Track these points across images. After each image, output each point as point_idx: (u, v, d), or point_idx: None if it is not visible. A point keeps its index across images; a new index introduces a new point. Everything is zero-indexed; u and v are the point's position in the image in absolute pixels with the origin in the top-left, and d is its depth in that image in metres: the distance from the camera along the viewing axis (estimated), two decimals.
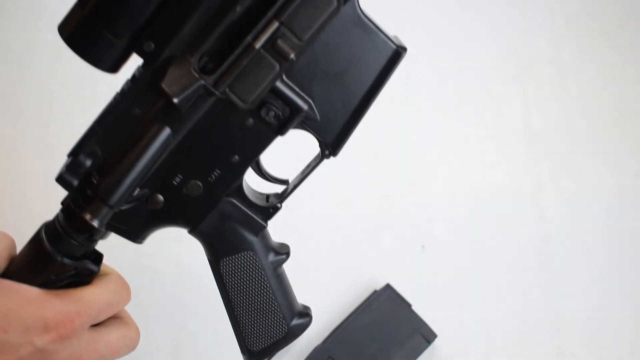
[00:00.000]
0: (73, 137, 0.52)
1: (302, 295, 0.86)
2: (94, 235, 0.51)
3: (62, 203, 0.52)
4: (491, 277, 0.86)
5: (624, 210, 0.89)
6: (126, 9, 0.46)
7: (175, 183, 0.54)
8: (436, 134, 0.93)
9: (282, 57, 0.48)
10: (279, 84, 0.50)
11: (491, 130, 0.93)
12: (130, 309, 0.84)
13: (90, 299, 0.51)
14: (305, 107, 0.52)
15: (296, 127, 0.53)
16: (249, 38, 0.47)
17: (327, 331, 0.82)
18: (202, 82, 0.48)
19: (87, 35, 0.47)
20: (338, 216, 0.89)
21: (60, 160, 0.52)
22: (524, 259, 0.87)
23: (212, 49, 0.48)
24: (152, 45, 0.48)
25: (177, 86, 0.47)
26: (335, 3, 0.47)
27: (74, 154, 0.51)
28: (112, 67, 0.48)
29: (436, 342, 0.81)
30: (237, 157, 0.54)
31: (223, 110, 0.51)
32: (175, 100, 0.47)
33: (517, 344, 0.83)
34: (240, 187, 0.56)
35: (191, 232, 0.58)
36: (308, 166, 0.58)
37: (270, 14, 0.47)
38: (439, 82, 0.96)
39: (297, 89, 0.51)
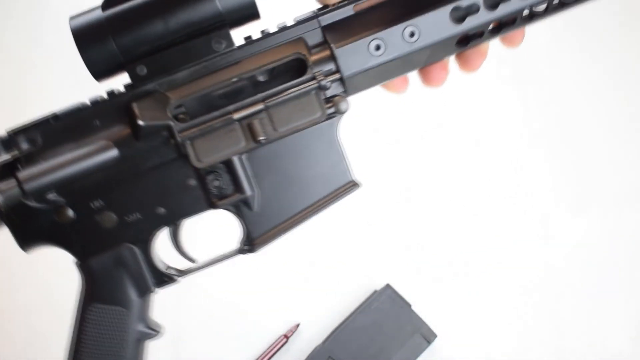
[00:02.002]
0: None
1: (302, 295, 0.86)
2: None
3: None
4: (491, 277, 0.86)
5: (623, 210, 0.89)
6: (141, 31, 0.48)
7: (92, 206, 0.51)
8: (436, 134, 0.93)
9: (252, 136, 0.50)
10: (236, 160, 0.51)
11: (490, 130, 0.93)
12: None
13: None
14: (249, 192, 0.52)
15: (230, 209, 0.53)
16: (230, 107, 0.49)
17: (327, 331, 0.82)
18: (171, 123, 0.49)
19: (95, 37, 0.48)
20: (338, 217, 0.89)
21: None
22: (524, 258, 0.87)
23: (193, 104, 0.50)
24: (145, 71, 0.49)
25: (148, 114, 0.49)
26: (319, 113, 0.50)
27: (15, 132, 0.51)
28: (100, 74, 0.49)
29: (436, 342, 0.81)
30: (163, 210, 0.53)
31: (173, 161, 0.51)
32: (141, 123, 0.48)
33: (517, 344, 0.83)
34: (148, 241, 0.54)
35: (80, 265, 0.54)
36: (221, 256, 0.56)
37: (260, 95, 0.49)
38: None
39: (250, 174, 0.52)
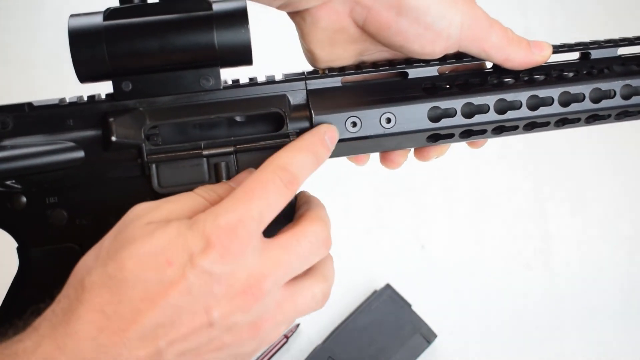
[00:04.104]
0: None
1: None
2: None
3: None
4: (491, 277, 0.86)
5: (624, 210, 0.89)
6: (136, 48, 0.49)
7: (46, 201, 0.52)
8: None
9: (215, 176, 0.51)
10: None
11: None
12: None
13: (246, 199, 0.44)
14: None
15: None
16: (202, 143, 0.50)
17: (327, 331, 0.82)
18: (142, 144, 0.50)
19: (89, 41, 0.49)
20: (338, 216, 0.89)
21: None
22: (524, 258, 0.87)
23: (167, 129, 0.51)
24: (130, 87, 0.50)
25: (123, 130, 0.50)
26: None
27: None
28: (85, 77, 0.50)
29: (436, 342, 0.81)
30: (114, 220, 0.51)
31: (135, 178, 0.51)
32: (113, 139, 0.49)
33: (517, 344, 0.83)
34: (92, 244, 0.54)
35: (20, 251, 0.54)
36: None
37: (232, 139, 0.51)
38: None
39: None
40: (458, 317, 0.84)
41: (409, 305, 0.82)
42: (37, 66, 0.97)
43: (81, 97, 0.51)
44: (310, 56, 0.54)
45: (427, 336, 0.81)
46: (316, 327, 0.83)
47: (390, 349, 0.80)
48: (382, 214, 0.90)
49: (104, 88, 0.51)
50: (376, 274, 0.85)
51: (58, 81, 0.95)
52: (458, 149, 0.92)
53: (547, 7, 0.99)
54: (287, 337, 0.82)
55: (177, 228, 0.43)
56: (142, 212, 0.45)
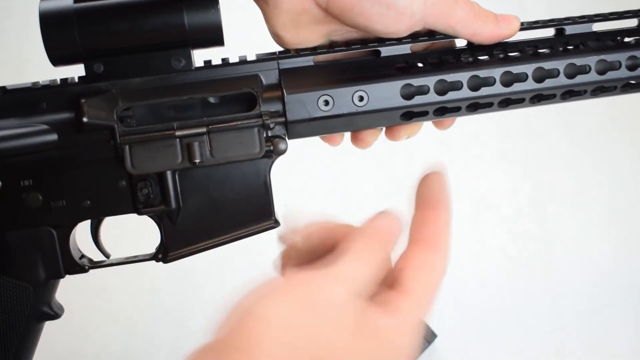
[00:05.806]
0: None
1: None
2: None
3: None
4: (491, 277, 0.86)
5: (624, 210, 0.89)
6: (107, 30, 0.49)
7: (21, 183, 0.52)
8: (435, 133, 0.93)
9: (189, 156, 0.51)
10: (169, 175, 0.52)
11: (490, 128, 0.93)
12: (130, 309, 0.84)
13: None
14: (174, 207, 0.53)
15: (153, 218, 0.54)
16: (174, 124, 0.51)
17: None
18: (115, 125, 0.50)
19: (60, 25, 0.49)
20: (338, 216, 0.89)
21: None
22: (524, 258, 0.87)
23: (140, 110, 0.51)
24: (101, 69, 0.51)
25: (94, 111, 0.50)
26: (257, 150, 0.51)
27: None
28: (58, 60, 0.50)
29: (436, 342, 0.81)
30: (89, 203, 0.53)
31: (109, 160, 0.52)
32: (85, 120, 0.50)
33: (516, 344, 0.83)
34: (68, 229, 0.55)
35: None
36: (135, 257, 0.57)
37: (205, 119, 0.51)
38: None
39: (178, 188, 0.53)
40: (458, 317, 0.84)
41: None
42: (38, 66, 0.97)
43: (54, 80, 0.52)
44: (277, 39, 0.54)
45: (427, 336, 0.81)
46: None
47: None
48: None
49: (80, 72, 0.52)
50: None
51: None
52: (458, 149, 0.92)
53: (548, 6, 0.99)
54: None
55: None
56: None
